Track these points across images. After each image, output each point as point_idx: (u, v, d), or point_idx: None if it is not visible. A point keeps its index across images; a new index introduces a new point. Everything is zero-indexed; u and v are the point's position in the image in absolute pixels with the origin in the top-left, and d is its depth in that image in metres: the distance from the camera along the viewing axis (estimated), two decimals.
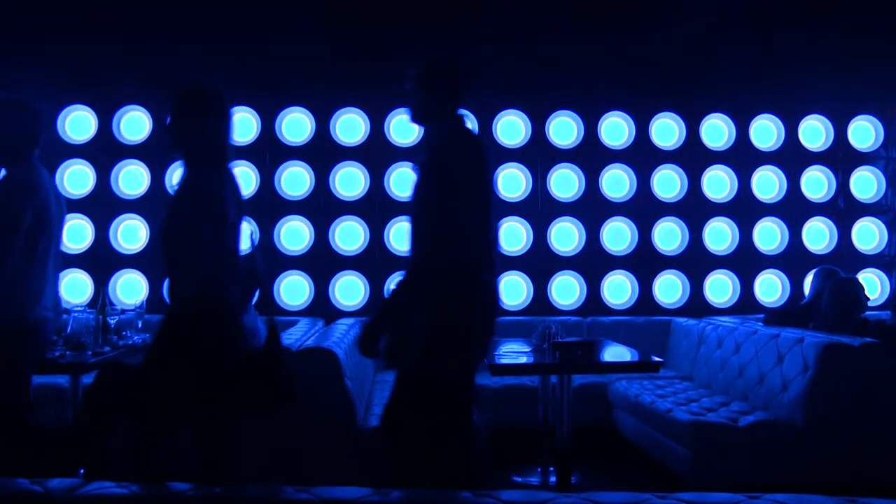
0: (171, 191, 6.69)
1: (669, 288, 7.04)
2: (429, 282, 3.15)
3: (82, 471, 3.62)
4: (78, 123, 6.77)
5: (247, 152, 6.76)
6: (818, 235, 7.15)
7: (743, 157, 7.10)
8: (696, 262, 7.00)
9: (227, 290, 3.20)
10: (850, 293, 5.17)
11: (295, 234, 6.78)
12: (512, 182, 6.96)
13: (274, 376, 3.22)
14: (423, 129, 3.56)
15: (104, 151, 6.73)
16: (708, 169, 7.07)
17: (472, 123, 3.45)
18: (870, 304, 6.68)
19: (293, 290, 6.75)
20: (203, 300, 3.11)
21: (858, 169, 7.22)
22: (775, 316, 5.71)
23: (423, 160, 3.30)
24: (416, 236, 3.24)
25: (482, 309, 3.19)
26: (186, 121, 3.26)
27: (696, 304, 6.94)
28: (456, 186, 3.14)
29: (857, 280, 5.39)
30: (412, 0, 6.80)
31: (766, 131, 7.19)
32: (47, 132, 6.55)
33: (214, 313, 3.12)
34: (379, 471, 4.08)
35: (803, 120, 7.20)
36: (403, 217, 6.77)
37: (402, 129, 6.89)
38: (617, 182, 7.03)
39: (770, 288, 7.08)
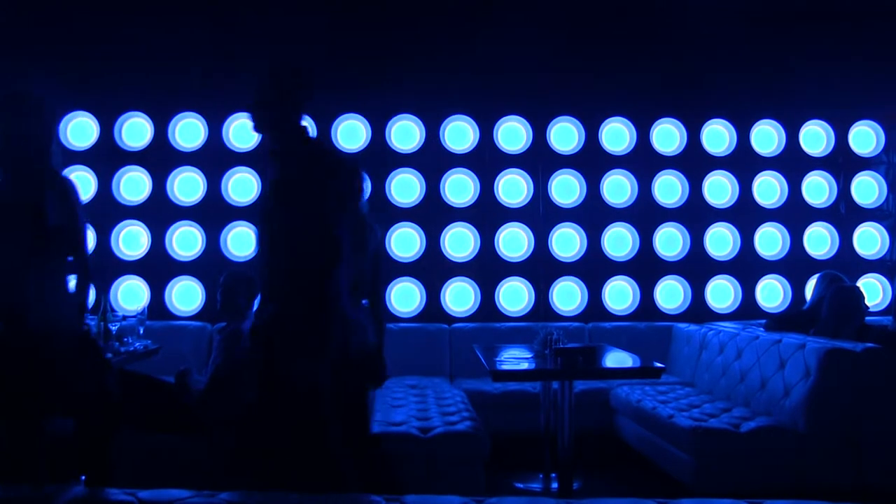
0: (173, 198, 6.71)
1: (671, 293, 7.04)
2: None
3: (84, 477, 3.63)
4: (80, 130, 6.78)
5: (248, 158, 6.78)
6: (819, 241, 7.14)
7: (744, 163, 7.10)
8: (697, 267, 7.00)
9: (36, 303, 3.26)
10: (851, 302, 5.16)
11: None
12: (513, 188, 6.96)
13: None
14: (265, 138, 3.52)
15: (106, 158, 6.74)
16: (709, 175, 7.07)
17: (312, 131, 3.47)
18: (871, 309, 6.71)
19: None
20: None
21: (859, 174, 7.22)
22: (777, 321, 5.70)
23: (282, 172, 3.29)
24: (280, 247, 3.22)
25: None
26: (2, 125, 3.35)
27: (698, 310, 6.93)
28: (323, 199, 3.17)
29: (857, 288, 5.37)
30: (412, 5, 6.83)
31: (766, 137, 7.19)
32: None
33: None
34: (380, 477, 4.09)
35: (804, 125, 7.20)
36: (407, 223, 6.79)
37: (403, 135, 6.92)
38: (618, 188, 7.03)
39: (771, 293, 7.07)
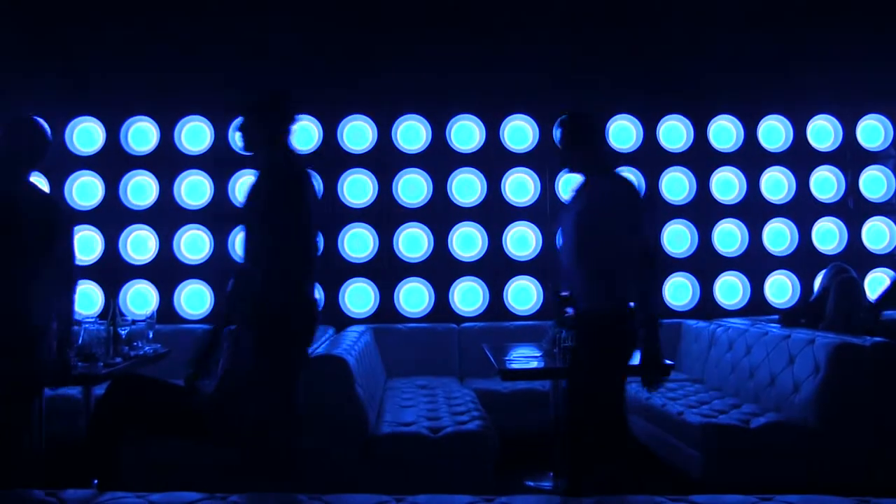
0: (180, 202, 6.72)
1: (679, 290, 7.02)
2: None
3: (96, 481, 3.64)
4: (86, 135, 6.81)
5: (254, 162, 6.78)
6: (828, 236, 7.12)
7: (751, 159, 7.08)
8: (705, 264, 6.98)
9: None
10: (854, 293, 5.16)
11: None
12: (520, 187, 6.96)
13: None
14: None
15: (113, 163, 6.76)
16: (716, 171, 7.06)
17: None
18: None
19: None
20: None
21: (868, 168, 7.20)
22: (790, 316, 5.69)
23: None
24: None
25: None
26: None
27: (707, 307, 6.92)
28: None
29: (858, 280, 5.39)
30: (419, 5, 6.84)
31: (774, 132, 7.17)
32: (56, 144, 6.66)
33: None
34: (391, 477, 4.10)
35: (812, 120, 7.19)
36: (415, 224, 6.80)
37: (409, 135, 6.93)
38: None
39: (780, 289, 7.05)
